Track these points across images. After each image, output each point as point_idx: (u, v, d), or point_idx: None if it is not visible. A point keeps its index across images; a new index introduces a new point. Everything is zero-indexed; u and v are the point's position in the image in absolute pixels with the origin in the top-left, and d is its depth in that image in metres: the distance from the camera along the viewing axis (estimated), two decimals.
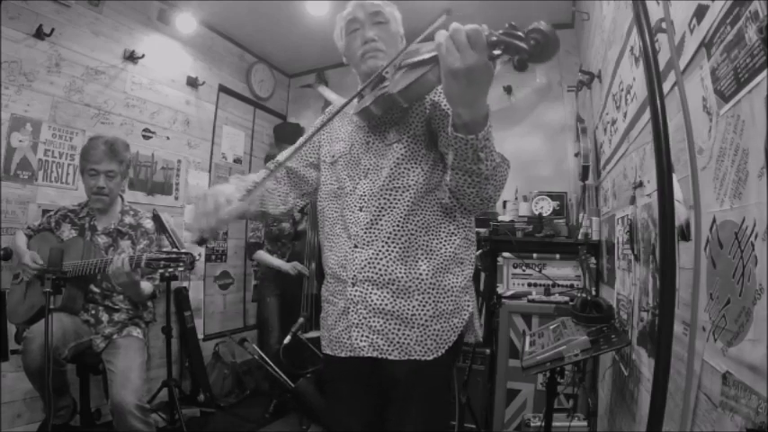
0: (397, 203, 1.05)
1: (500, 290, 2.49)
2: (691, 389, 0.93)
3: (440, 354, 1.04)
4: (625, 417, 1.53)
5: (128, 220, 1.99)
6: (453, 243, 1.08)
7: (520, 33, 0.73)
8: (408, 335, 1.04)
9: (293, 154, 1.22)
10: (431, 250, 1.06)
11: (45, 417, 1.85)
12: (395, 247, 1.04)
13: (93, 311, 1.87)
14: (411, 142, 1.07)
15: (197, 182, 3.20)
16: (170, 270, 1.66)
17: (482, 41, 0.75)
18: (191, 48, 3.13)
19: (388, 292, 1.04)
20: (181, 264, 1.66)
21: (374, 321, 1.05)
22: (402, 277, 1.04)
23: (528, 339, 1.68)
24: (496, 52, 0.75)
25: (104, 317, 1.89)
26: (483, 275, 2.49)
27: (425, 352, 1.04)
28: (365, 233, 1.06)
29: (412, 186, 1.05)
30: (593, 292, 2.27)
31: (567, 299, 2.29)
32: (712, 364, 0.85)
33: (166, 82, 2.97)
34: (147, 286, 1.90)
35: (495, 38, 0.75)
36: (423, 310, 1.04)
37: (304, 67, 3.96)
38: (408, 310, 1.04)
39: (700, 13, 0.90)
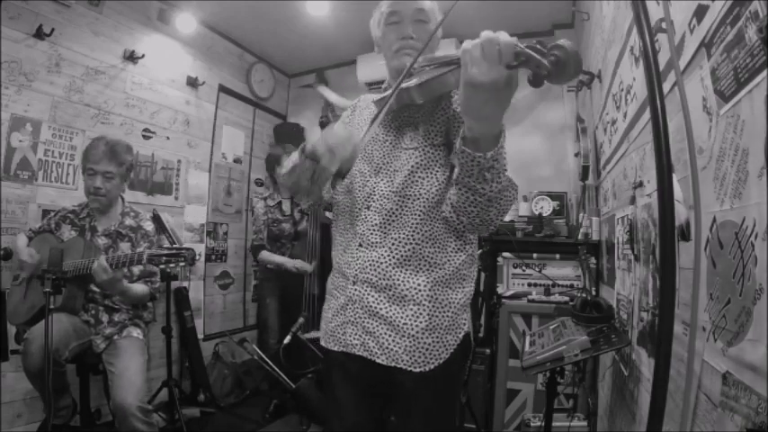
0: (407, 211, 1.04)
1: (500, 290, 2.49)
2: (691, 389, 0.93)
3: (428, 368, 1.01)
4: (625, 417, 1.53)
5: (128, 221, 1.99)
6: (458, 259, 1.06)
7: (542, 48, 0.70)
8: (398, 343, 1.02)
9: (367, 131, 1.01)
10: (434, 263, 1.04)
11: (45, 417, 1.85)
12: (398, 254, 1.03)
13: (93, 311, 1.87)
14: (429, 150, 1.04)
15: (197, 182, 3.20)
16: (171, 266, 1.66)
17: (510, 55, 0.71)
18: (190, 48, 3.13)
19: (384, 297, 1.04)
20: (182, 259, 1.66)
21: (368, 323, 1.04)
22: (400, 285, 1.03)
23: (528, 339, 1.68)
24: (514, 63, 0.71)
25: (104, 317, 1.89)
26: (483, 275, 2.49)
27: (413, 363, 1.01)
28: (371, 234, 1.05)
29: (424, 195, 1.03)
30: (593, 292, 2.27)
31: (566, 299, 2.29)
32: (712, 364, 0.85)
33: (166, 82, 2.97)
34: (139, 288, 1.88)
35: (518, 49, 0.71)
36: (416, 321, 1.02)
37: (304, 67, 3.95)
38: (401, 318, 1.02)
39: (700, 12, 0.90)
